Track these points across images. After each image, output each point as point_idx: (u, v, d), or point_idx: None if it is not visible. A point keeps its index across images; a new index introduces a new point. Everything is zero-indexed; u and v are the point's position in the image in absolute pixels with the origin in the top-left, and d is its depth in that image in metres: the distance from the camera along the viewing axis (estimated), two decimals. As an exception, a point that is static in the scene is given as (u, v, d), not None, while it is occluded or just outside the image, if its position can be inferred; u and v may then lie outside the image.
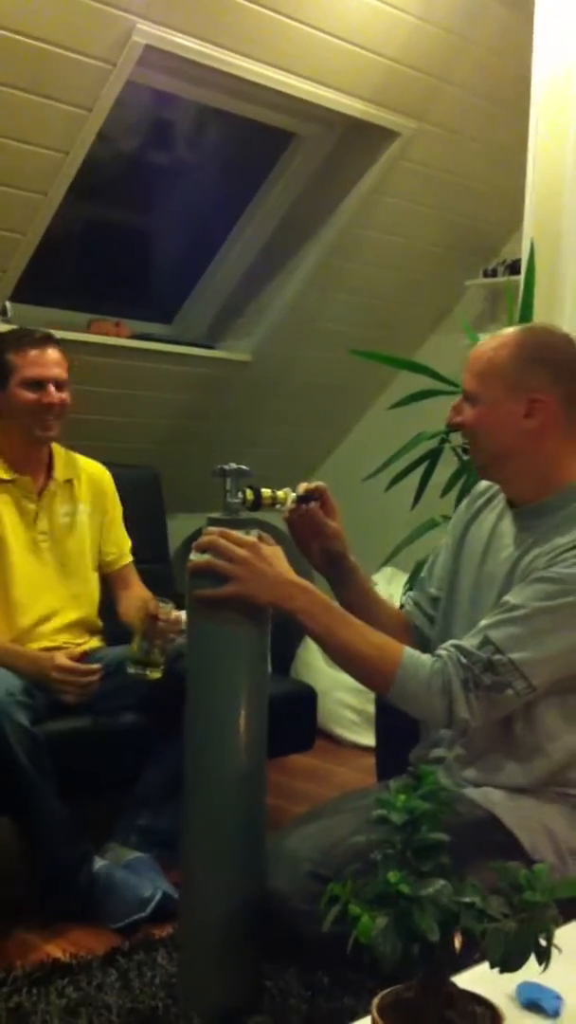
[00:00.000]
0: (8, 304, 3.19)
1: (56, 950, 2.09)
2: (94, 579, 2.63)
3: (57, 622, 2.50)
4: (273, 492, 1.74)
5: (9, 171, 2.83)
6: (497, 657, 1.59)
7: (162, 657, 2.32)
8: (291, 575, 1.64)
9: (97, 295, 3.68)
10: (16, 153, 2.80)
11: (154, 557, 3.42)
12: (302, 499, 1.79)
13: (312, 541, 1.83)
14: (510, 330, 1.74)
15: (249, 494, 1.69)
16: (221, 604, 1.62)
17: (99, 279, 3.75)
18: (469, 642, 1.63)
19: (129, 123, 3.37)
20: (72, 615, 2.54)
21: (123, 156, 3.48)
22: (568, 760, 1.71)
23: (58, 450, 2.59)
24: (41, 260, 3.14)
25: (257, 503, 1.71)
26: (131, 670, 2.33)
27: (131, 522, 3.34)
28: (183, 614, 2.35)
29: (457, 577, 1.87)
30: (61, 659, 2.34)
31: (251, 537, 1.64)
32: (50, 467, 2.55)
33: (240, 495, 1.68)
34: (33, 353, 2.44)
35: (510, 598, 1.65)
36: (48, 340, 2.48)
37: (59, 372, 2.46)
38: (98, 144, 2.98)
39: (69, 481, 2.58)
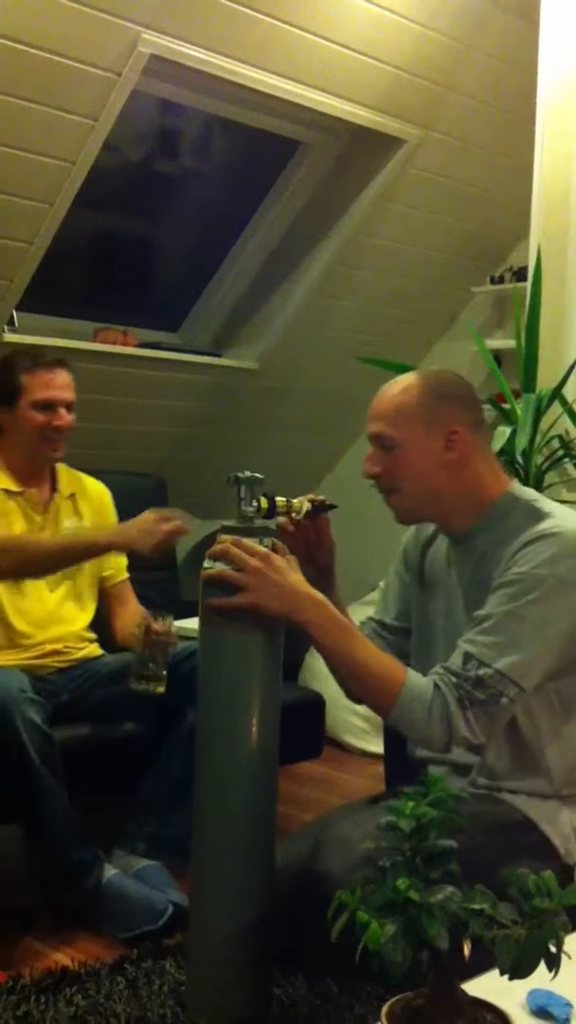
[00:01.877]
0: (15, 314, 3.20)
1: (64, 958, 2.08)
2: (93, 592, 2.65)
3: (56, 630, 2.51)
4: (288, 500, 1.75)
5: (16, 181, 2.84)
6: (483, 671, 1.61)
7: (163, 670, 2.35)
8: (303, 586, 1.65)
9: (103, 304, 3.69)
10: (22, 163, 2.81)
11: (160, 564, 3.42)
12: (317, 509, 1.79)
13: (310, 549, 1.83)
14: (407, 375, 1.81)
15: (264, 502, 1.69)
16: (234, 613, 1.62)
17: (105, 288, 3.76)
18: (453, 662, 1.66)
19: (135, 133, 3.38)
20: (72, 625, 2.55)
21: (129, 165, 3.50)
22: None
23: (61, 466, 2.62)
24: (48, 270, 3.15)
25: (271, 511, 1.71)
26: (136, 686, 2.35)
27: (138, 530, 3.34)
28: (175, 623, 2.41)
29: (425, 608, 1.90)
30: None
31: (264, 547, 1.64)
32: (54, 482, 2.58)
33: (255, 503, 1.68)
34: (45, 376, 2.47)
35: (478, 612, 1.68)
36: (60, 363, 2.51)
37: (69, 395, 2.50)
38: (104, 153, 2.98)
39: (72, 496, 2.61)
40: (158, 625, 2.36)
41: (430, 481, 1.76)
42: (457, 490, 1.77)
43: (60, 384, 2.48)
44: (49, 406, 2.46)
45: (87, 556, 2.44)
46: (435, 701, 1.61)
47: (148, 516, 2.29)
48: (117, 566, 2.68)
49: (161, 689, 2.33)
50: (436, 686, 1.63)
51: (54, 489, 2.57)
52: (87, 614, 2.61)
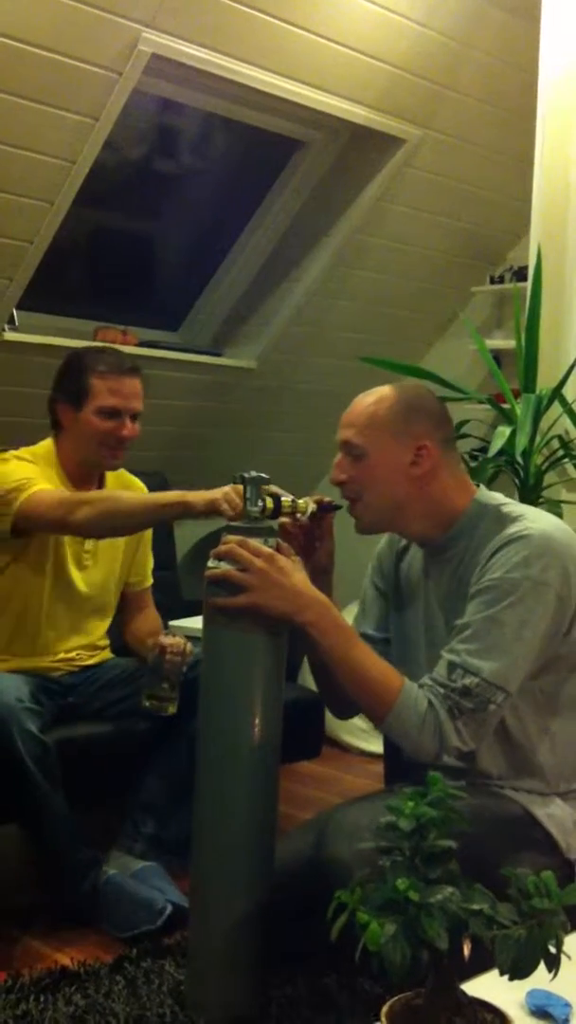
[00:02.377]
0: (15, 312, 3.20)
1: (64, 958, 2.08)
2: (116, 601, 2.60)
3: (76, 641, 2.49)
4: (293, 501, 1.75)
5: (16, 180, 2.84)
6: (469, 680, 1.62)
7: (174, 692, 2.33)
8: (307, 587, 1.65)
9: (104, 303, 3.69)
10: (23, 162, 2.81)
11: (161, 564, 3.42)
12: (324, 508, 1.79)
13: (310, 548, 1.84)
14: (383, 387, 1.83)
15: (269, 502, 1.70)
16: (237, 613, 1.62)
17: (106, 287, 3.76)
18: (438, 673, 1.67)
19: (136, 131, 3.37)
20: (91, 636, 2.53)
21: (130, 164, 3.49)
22: (570, 751, 1.76)
23: (109, 474, 2.54)
24: (48, 268, 3.14)
25: (277, 511, 1.72)
26: (146, 703, 2.35)
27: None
28: (189, 643, 2.38)
29: (403, 618, 1.91)
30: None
31: (269, 547, 1.64)
32: (100, 483, 2.51)
33: (260, 503, 1.68)
34: (115, 382, 2.35)
35: (459, 621, 1.69)
36: (134, 371, 2.39)
37: (137, 404, 2.39)
38: (105, 152, 2.98)
39: None
40: (172, 647, 2.33)
41: (393, 493, 1.77)
42: (420, 504, 1.78)
43: (129, 392, 2.36)
44: (116, 414, 2.35)
45: (171, 513, 2.25)
46: (428, 712, 1.63)
47: (239, 487, 2.09)
48: (144, 572, 2.65)
49: (172, 709, 2.32)
50: (428, 699, 1.64)
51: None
52: (105, 624, 2.58)
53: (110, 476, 2.55)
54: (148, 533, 2.62)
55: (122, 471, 2.59)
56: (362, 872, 1.21)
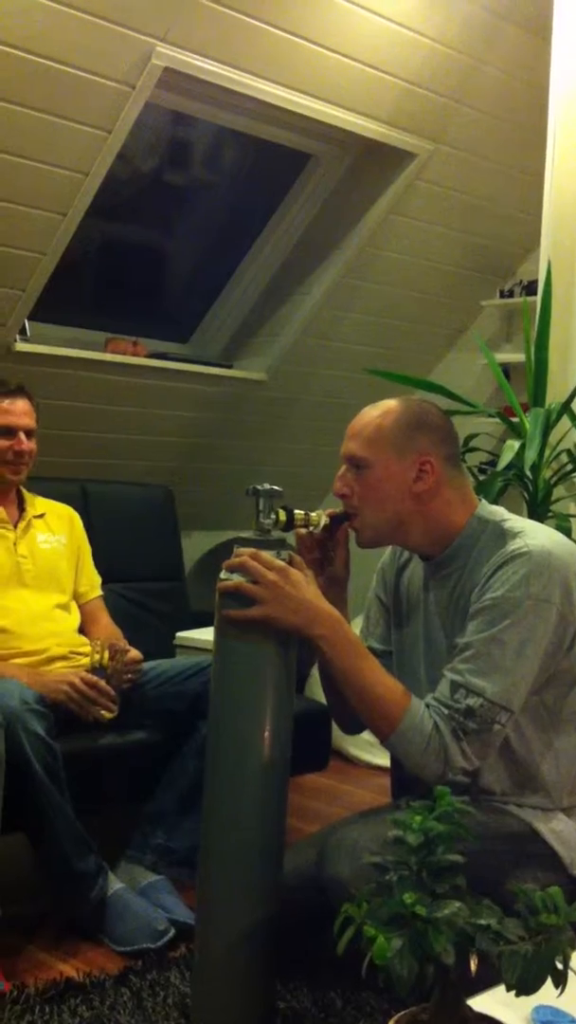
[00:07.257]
0: (27, 323, 3.22)
1: (69, 969, 2.08)
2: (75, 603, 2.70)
3: (49, 627, 2.53)
4: (306, 514, 1.75)
5: (29, 191, 2.86)
6: (472, 700, 1.62)
7: (114, 699, 2.37)
8: (319, 601, 1.65)
9: (115, 314, 3.70)
10: (36, 174, 2.82)
11: (169, 575, 3.43)
12: (337, 520, 1.79)
13: (324, 559, 1.84)
14: (389, 401, 1.82)
15: (282, 514, 1.70)
16: (248, 625, 1.62)
17: (117, 298, 3.77)
18: (441, 693, 1.66)
19: (148, 144, 3.39)
20: (61, 624, 2.57)
21: (142, 176, 3.51)
22: (573, 766, 1.75)
23: (28, 494, 2.70)
24: (60, 279, 3.16)
25: (289, 524, 1.72)
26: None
27: (146, 540, 3.36)
28: (140, 655, 2.46)
29: (403, 631, 1.90)
30: (71, 678, 2.35)
31: (282, 560, 1.65)
32: (21, 503, 2.67)
33: (272, 516, 1.69)
34: (5, 403, 2.56)
35: (459, 640, 1.69)
36: (19, 392, 2.60)
37: (28, 422, 2.59)
38: (117, 164, 3.00)
39: (42, 515, 2.69)
40: (120, 651, 2.40)
41: (394, 508, 1.76)
42: (421, 521, 1.77)
43: (19, 411, 2.57)
44: (10, 432, 2.55)
45: None
46: (433, 734, 1.63)
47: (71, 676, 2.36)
48: (90, 583, 2.74)
49: (109, 716, 2.36)
50: (433, 720, 1.63)
51: (22, 510, 2.66)
52: (75, 617, 2.65)
53: (32, 500, 2.68)
54: (85, 546, 2.76)
55: (44, 499, 2.73)
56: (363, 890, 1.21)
